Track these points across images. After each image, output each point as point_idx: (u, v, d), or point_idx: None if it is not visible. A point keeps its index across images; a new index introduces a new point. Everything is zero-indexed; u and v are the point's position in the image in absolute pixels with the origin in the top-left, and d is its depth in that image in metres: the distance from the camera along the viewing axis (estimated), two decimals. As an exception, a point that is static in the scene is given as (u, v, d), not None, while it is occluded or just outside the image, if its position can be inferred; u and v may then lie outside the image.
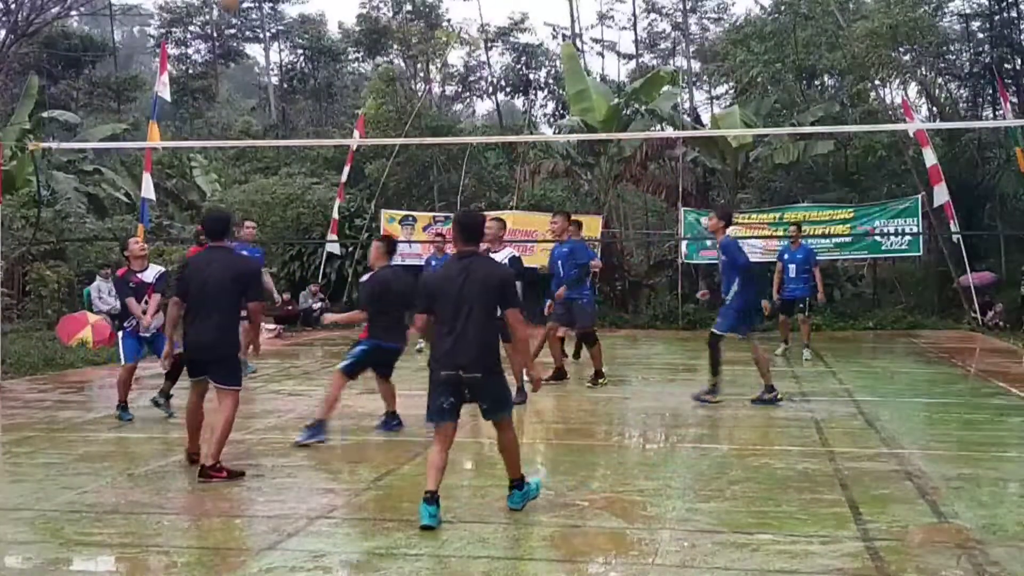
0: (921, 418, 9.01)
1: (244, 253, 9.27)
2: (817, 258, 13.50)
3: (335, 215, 19.01)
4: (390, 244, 8.17)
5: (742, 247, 10.06)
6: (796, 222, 14.89)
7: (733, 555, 4.63)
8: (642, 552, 4.75)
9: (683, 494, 5.81)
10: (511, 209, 19.50)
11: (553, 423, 8.67)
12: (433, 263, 12.62)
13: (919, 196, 17.42)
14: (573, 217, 11.11)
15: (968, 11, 23.24)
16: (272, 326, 16.88)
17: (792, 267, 12.79)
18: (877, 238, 17.47)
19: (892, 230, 17.38)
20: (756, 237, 17.60)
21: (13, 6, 25.41)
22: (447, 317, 5.26)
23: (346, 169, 19.49)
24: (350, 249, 19.47)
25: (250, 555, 4.70)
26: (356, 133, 19.19)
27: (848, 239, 17.51)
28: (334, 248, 19.14)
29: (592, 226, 18.68)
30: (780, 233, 17.03)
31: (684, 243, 18.32)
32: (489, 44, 29.27)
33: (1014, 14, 22.77)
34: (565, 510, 5.55)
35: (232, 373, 6.31)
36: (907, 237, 17.43)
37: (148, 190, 14.74)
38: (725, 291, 9.10)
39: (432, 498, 5.05)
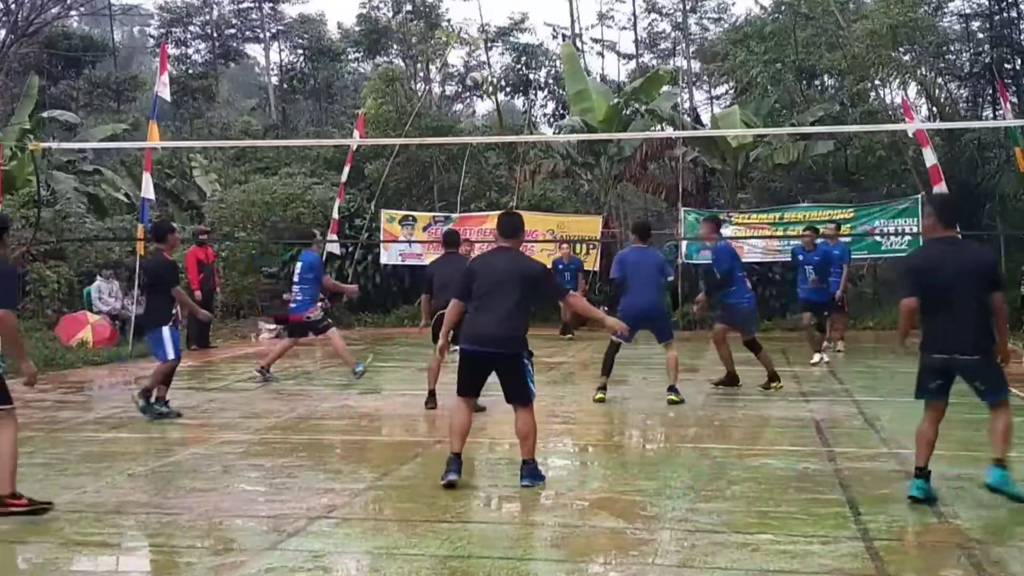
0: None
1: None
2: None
3: (335, 215, 18.99)
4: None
5: (732, 253, 10.18)
6: (835, 220, 15.00)
7: (733, 555, 4.63)
8: (642, 552, 4.75)
9: (683, 494, 5.81)
10: (511, 209, 19.50)
11: (553, 423, 8.66)
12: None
13: (919, 196, 17.40)
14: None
15: (968, 11, 23.24)
16: (272, 326, 16.87)
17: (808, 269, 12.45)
18: (877, 238, 17.46)
19: (892, 230, 17.36)
20: (756, 237, 17.60)
21: (13, 6, 25.42)
22: (937, 303, 5.56)
23: (346, 169, 19.46)
24: (350, 249, 19.47)
25: (250, 555, 4.70)
26: (356, 133, 19.15)
27: (848, 239, 17.49)
28: (334, 248, 19.13)
29: (592, 226, 18.72)
30: (780, 233, 17.04)
31: (684, 243, 18.31)
32: (489, 44, 29.27)
33: (1014, 14, 22.76)
34: (565, 510, 5.55)
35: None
36: (907, 237, 17.41)
37: (148, 190, 14.73)
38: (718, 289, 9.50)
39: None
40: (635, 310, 9.02)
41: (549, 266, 15.76)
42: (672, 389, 9.25)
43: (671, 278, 9.64)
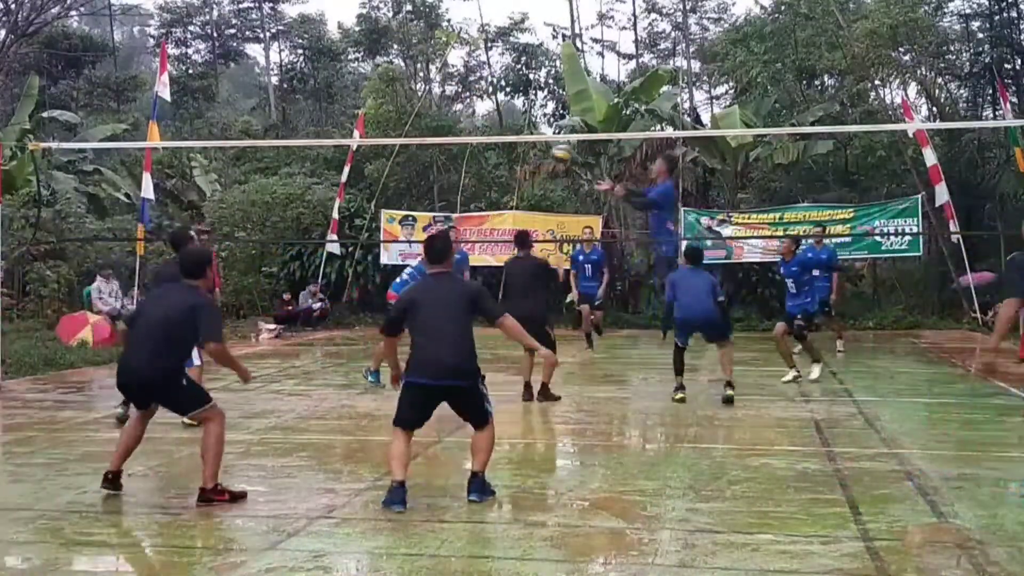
0: (921, 418, 9.01)
1: None
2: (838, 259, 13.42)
3: (335, 215, 19.01)
4: None
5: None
6: (821, 222, 14.78)
7: (733, 555, 4.63)
8: (642, 552, 4.75)
9: (683, 494, 5.81)
10: (511, 209, 19.49)
11: (553, 423, 8.66)
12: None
13: (919, 196, 17.41)
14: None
15: (968, 11, 23.26)
16: (272, 326, 16.88)
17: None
18: (877, 238, 17.46)
19: (892, 230, 17.37)
20: (756, 237, 17.60)
21: (13, 6, 25.42)
22: None
23: (346, 169, 19.48)
24: (350, 249, 19.47)
25: (250, 555, 4.70)
26: (356, 133, 19.18)
27: (848, 239, 17.50)
28: (334, 248, 19.14)
29: (592, 226, 18.70)
30: (780, 233, 17.02)
31: (684, 243, 18.29)
32: (489, 44, 29.26)
33: (1014, 14, 22.77)
34: (565, 510, 5.55)
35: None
36: (907, 237, 17.42)
37: (148, 190, 14.75)
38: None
39: None
40: (690, 318, 9.26)
41: (567, 259, 15.43)
42: (729, 384, 9.21)
43: (722, 299, 9.59)
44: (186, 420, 6.36)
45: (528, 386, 9.27)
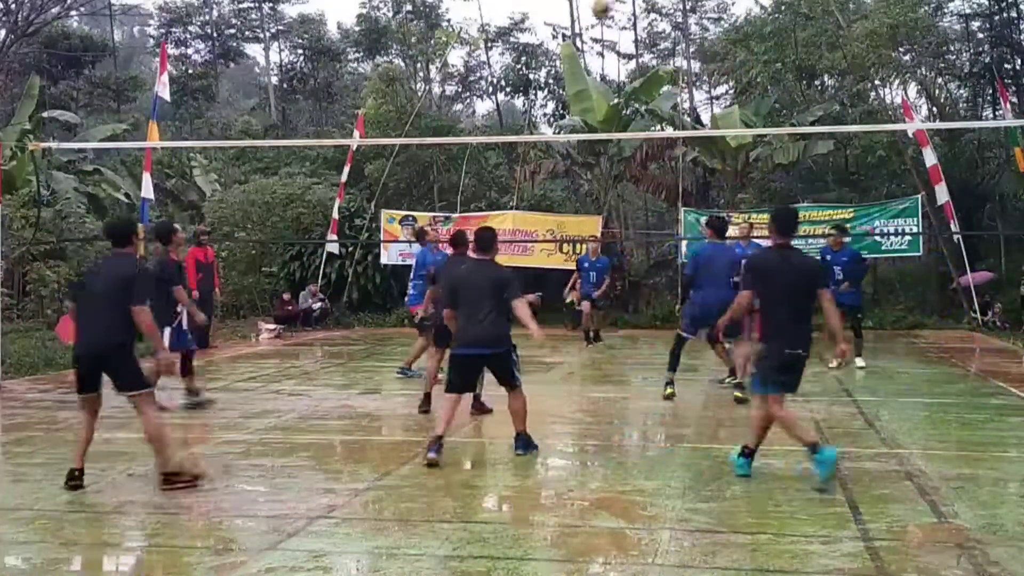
0: (921, 418, 9.00)
1: None
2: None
3: (335, 215, 19.01)
4: None
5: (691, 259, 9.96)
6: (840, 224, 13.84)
7: (733, 555, 4.63)
8: (642, 552, 4.75)
9: (683, 494, 5.81)
10: (511, 209, 19.50)
11: (553, 423, 8.66)
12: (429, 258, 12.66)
13: (919, 196, 17.41)
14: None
15: (968, 11, 23.25)
16: (272, 326, 16.88)
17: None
18: (877, 238, 17.46)
19: (892, 230, 17.37)
20: (756, 237, 17.57)
21: (13, 6, 25.43)
22: None
23: (346, 169, 19.49)
24: (350, 249, 19.47)
25: (250, 555, 4.70)
26: (356, 133, 19.19)
27: (848, 239, 17.49)
28: (334, 248, 19.14)
29: (592, 226, 18.72)
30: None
31: (684, 243, 18.31)
32: (489, 44, 29.25)
33: (1014, 14, 22.76)
34: (565, 510, 5.55)
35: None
36: (907, 237, 17.42)
37: (148, 190, 14.74)
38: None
39: None
40: (707, 306, 8.95)
41: (572, 264, 15.63)
42: (739, 386, 9.11)
43: (737, 279, 9.43)
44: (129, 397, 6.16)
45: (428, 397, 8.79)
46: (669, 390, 9.23)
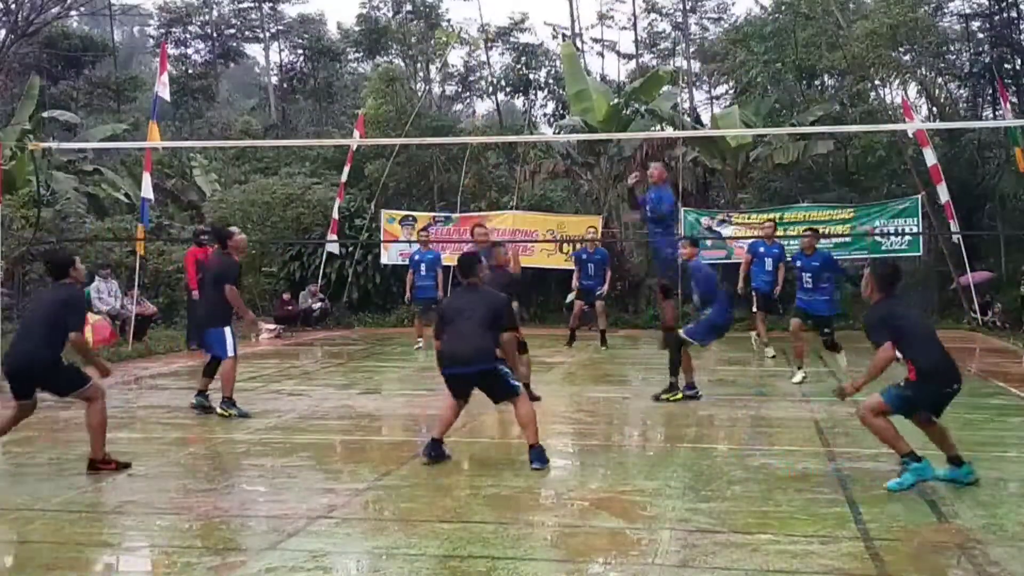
0: (921, 418, 8.98)
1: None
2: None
3: (335, 215, 19.01)
4: None
5: (706, 270, 9.72)
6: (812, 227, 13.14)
7: (733, 555, 4.63)
8: (642, 552, 4.75)
9: (683, 494, 5.81)
10: (511, 209, 19.50)
11: (553, 423, 8.66)
12: (416, 257, 14.42)
13: (919, 196, 17.41)
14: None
15: (968, 11, 23.23)
16: (272, 326, 16.88)
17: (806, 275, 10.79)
18: (877, 238, 17.45)
19: (892, 230, 17.36)
20: (756, 238, 17.58)
21: (13, 6, 25.42)
22: None
23: (346, 169, 19.48)
24: (350, 249, 19.47)
25: (250, 555, 4.70)
26: (356, 133, 19.18)
27: (848, 239, 17.51)
28: (334, 248, 19.14)
29: (592, 226, 18.70)
30: (780, 233, 17.01)
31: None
32: (489, 44, 29.24)
33: (1014, 14, 22.75)
34: (565, 510, 5.55)
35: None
36: (907, 237, 17.42)
37: (148, 190, 14.73)
38: (700, 306, 9.33)
39: None
40: (726, 319, 9.41)
41: (570, 257, 15.73)
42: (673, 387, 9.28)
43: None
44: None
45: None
46: (679, 395, 9.22)
